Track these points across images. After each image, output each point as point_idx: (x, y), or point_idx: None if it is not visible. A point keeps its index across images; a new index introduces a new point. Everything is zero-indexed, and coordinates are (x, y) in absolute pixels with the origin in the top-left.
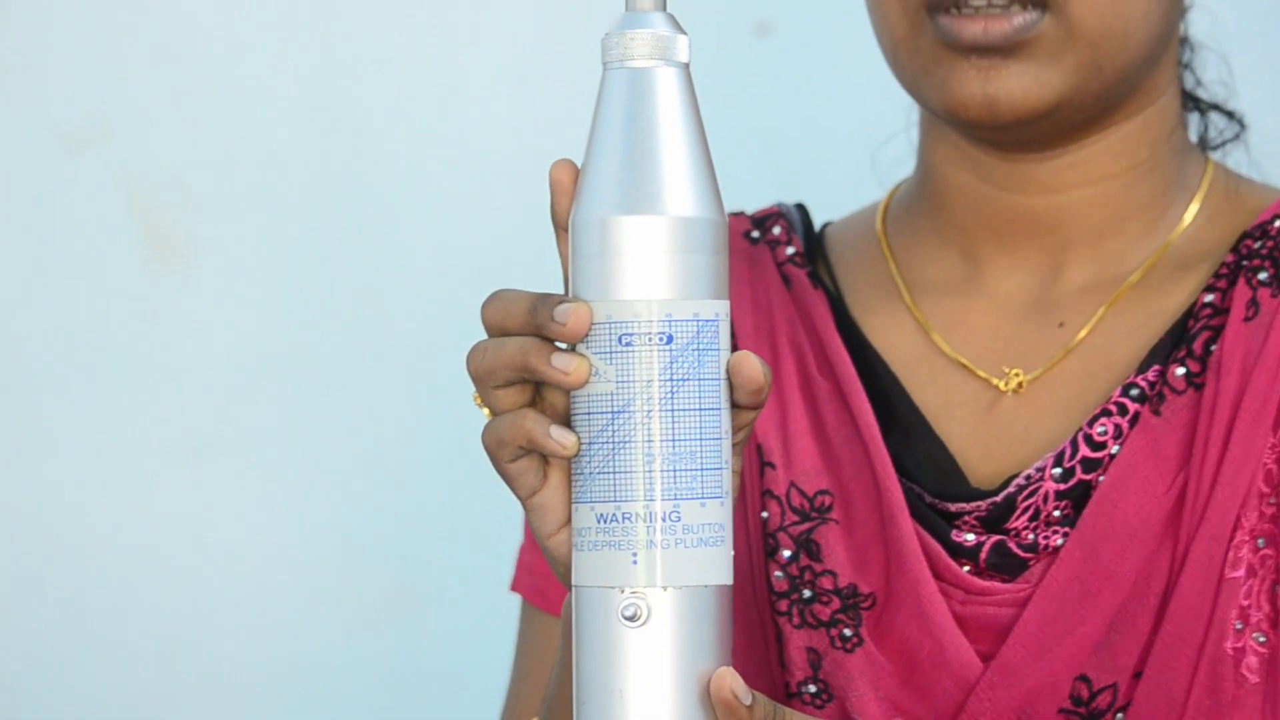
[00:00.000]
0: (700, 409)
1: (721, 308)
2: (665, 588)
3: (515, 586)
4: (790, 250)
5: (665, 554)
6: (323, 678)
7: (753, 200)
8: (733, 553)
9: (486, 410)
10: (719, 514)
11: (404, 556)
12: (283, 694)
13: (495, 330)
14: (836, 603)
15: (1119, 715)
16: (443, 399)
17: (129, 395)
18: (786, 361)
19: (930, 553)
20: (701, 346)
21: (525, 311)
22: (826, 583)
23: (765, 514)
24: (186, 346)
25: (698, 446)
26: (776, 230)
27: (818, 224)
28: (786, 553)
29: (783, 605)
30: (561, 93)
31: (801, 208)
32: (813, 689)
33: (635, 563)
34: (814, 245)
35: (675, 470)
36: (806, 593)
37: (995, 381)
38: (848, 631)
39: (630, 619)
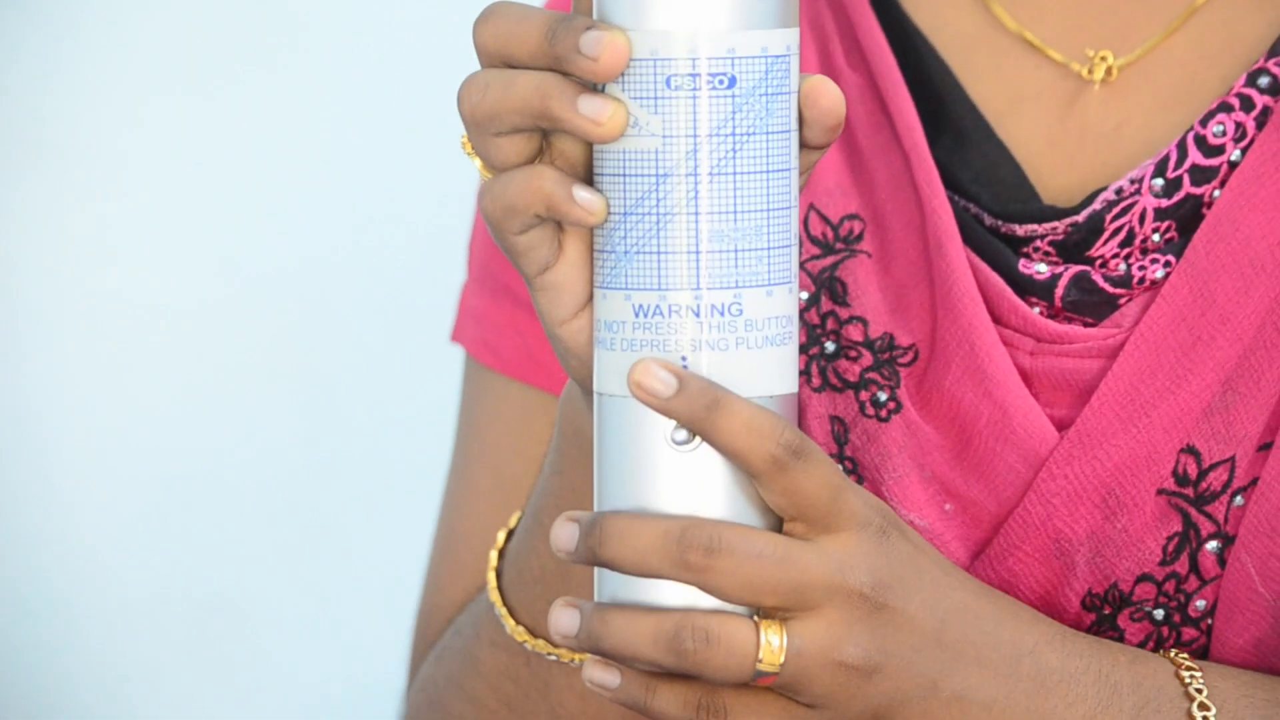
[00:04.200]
0: (768, 171)
1: (792, 38)
2: None
3: (457, 336)
4: None
5: (724, 358)
6: None
7: None
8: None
9: (479, 163)
10: (787, 304)
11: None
12: None
13: (495, 58)
14: (867, 358)
15: (1237, 498)
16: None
17: None
18: (805, 50)
19: (989, 289)
20: (771, 90)
21: (540, 37)
22: (854, 332)
23: None
24: None
25: (764, 220)
26: None
27: None
28: (804, 295)
29: (799, 363)
30: None
31: None
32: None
33: (685, 369)
34: None
35: (736, 250)
36: (829, 345)
37: (1077, 67)
38: (882, 395)
39: (681, 442)
